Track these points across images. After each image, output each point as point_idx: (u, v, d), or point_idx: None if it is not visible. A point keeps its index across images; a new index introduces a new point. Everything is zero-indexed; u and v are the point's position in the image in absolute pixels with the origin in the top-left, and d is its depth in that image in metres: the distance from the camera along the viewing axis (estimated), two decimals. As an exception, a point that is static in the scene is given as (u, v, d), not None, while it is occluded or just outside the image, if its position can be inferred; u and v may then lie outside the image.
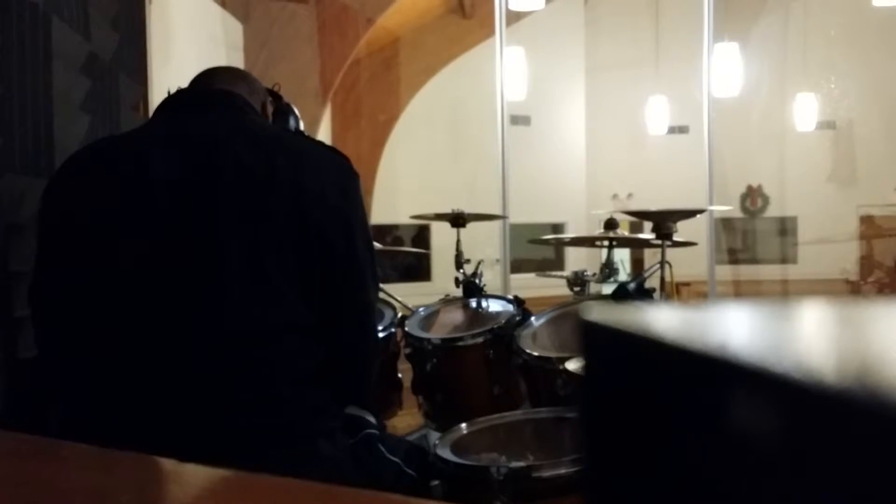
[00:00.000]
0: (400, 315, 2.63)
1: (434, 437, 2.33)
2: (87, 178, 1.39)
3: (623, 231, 2.92)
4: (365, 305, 1.48)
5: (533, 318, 2.49)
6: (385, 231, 7.47)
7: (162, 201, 1.31)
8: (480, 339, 2.45)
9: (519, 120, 7.23)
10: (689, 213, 2.46)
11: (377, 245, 3.07)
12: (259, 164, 1.34)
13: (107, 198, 1.34)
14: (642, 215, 2.77)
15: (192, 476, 0.79)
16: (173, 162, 1.34)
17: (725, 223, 8.17)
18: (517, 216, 5.46)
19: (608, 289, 2.53)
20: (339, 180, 1.41)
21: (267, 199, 1.32)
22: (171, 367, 1.27)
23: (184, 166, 1.33)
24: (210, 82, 1.50)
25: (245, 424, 1.27)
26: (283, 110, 1.60)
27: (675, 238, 2.40)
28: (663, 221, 2.35)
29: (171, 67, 3.05)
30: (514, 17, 6.14)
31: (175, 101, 1.49)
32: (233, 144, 1.36)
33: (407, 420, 3.26)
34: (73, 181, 1.40)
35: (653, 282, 2.36)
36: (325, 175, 1.40)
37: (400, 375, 2.56)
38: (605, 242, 2.85)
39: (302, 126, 1.68)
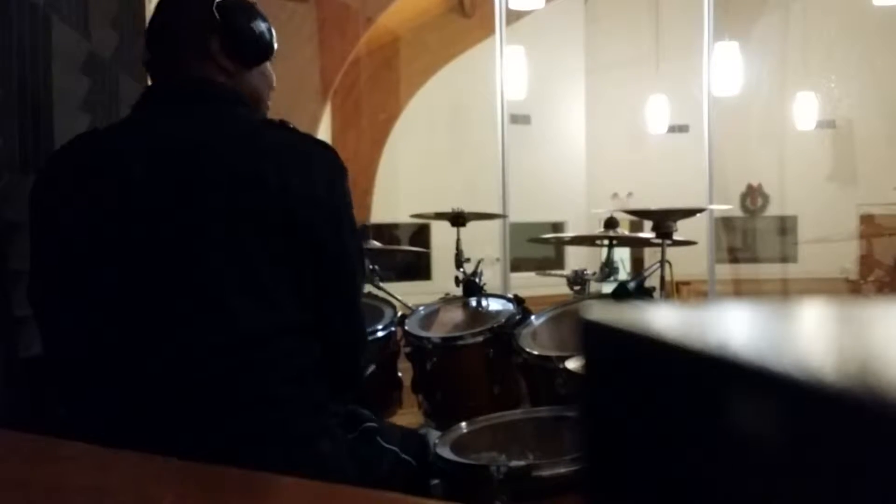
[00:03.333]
0: (400, 314, 2.63)
1: (434, 435, 2.33)
2: (71, 181, 1.36)
3: (623, 230, 2.92)
4: (353, 301, 1.47)
5: (533, 317, 2.49)
6: (385, 230, 7.47)
7: (148, 206, 1.30)
8: (480, 338, 2.45)
9: (519, 119, 7.23)
10: (689, 212, 2.46)
11: (377, 244, 3.08)
12: (244, 165, 1.32)
13: (93, 203, 1.32)
14: (642, 214, 2.77)
15: (192, 475, 0.79)
16: (156, 165, 1.31)
17: (725, 222, 8.17)
18: (517, 215, 5.46)
19: (608, 288, 2.53)
20: (326, 177, 1.38)
21: (253, 200, 1.30)
22: (168, 370, 1.26)
23: (167, 170, 1.31)
24: (179, 62, 1.43)
25: (244, 424, 1.27)
26: (243, 7, 1.44)
27: (675, 237, 2.40)
28: (663, 220, 2.35)
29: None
30: (514, 17, 6.13)
31: (156, 94, 1.44)
32: (216, 145, 1.34)
33: (407, 419, 3.26)
34: (57, 183, 1.38)
35: (653, 281, 2.36)
36: (312, 172, 1.37)
37: (400, 374, 2.56)
38: (605, 241, 2.85)
39: (273, 33, 1.49)
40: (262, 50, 1.48)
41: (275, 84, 1.56)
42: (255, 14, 1.47)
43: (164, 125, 1.38)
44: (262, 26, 1.47)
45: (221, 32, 1.42)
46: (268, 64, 1.53)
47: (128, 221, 1.31)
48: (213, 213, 1.29)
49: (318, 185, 1.36)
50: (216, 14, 1.41)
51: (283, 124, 1.44)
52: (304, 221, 1.33)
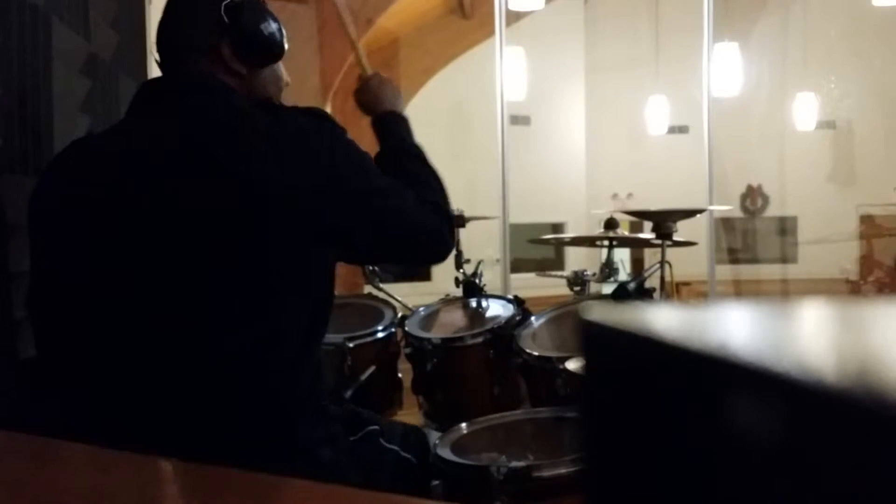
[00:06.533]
0: (400, 315, 2.63)
1: (434, 436, 2.33)
2: (62, 188, 1.35)
3: (623, 231, 2.92)
4: (415, 231, 1.44)
5: (533, 318, 2.49)
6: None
7: (139, 207, 1.27)
8: (480, 339, 2.45)
9: (519, 120, 7.23)
10: (689, 213, 2.46)
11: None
12: (226, 162, 1.26)
13: (86, 206, 1.31)
14: (642, 215, 2.77)
15: (193, 476, 0.79)
16: (147, 167, 1.28)
17: (725, 223, 8.18)
18: (517, 216, 5.46)
19: (608, 288, 2.53)
20: (322, 153, 1.31)
21: (249, 200, 1.25)
22: (168, 376, 1.25)
23: (159, 170, 1.27)
24: (188, 65, 1.40)
25: (245, 432, 1.25)
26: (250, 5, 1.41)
27: (675, 238, 2.40)
28: (663, 221, 2.34)
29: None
30: (513, 17, 6.13)
31: (142, 94, 1.42)
32: (198, 142, 1.29)
33: (407, 420, 3.25)
34: (49, 191, 1.36)
35: (653, 281, 2.36)
36: (308, 155, 1.30)
37: (400, 375, 2.56)
38: (605, 242, 2.86)
39: (283, 30, 1.46)
40: (273, 50, 1.45)
41: (286, 80, 1.54)
42: (264, 14, 1.43)
43: (146, 126, 1.34)
44: (273, 26, 1.43)
45: (231, 35, 1.39)
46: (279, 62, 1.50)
47: (116, 227, 1.28)
48: (202, 216, 1.25)
49: (317, 172, 1.30)
50: (224, 17, 1.38)
51: (268, 104, 1.41)
52: (312, 211, 1.28)
